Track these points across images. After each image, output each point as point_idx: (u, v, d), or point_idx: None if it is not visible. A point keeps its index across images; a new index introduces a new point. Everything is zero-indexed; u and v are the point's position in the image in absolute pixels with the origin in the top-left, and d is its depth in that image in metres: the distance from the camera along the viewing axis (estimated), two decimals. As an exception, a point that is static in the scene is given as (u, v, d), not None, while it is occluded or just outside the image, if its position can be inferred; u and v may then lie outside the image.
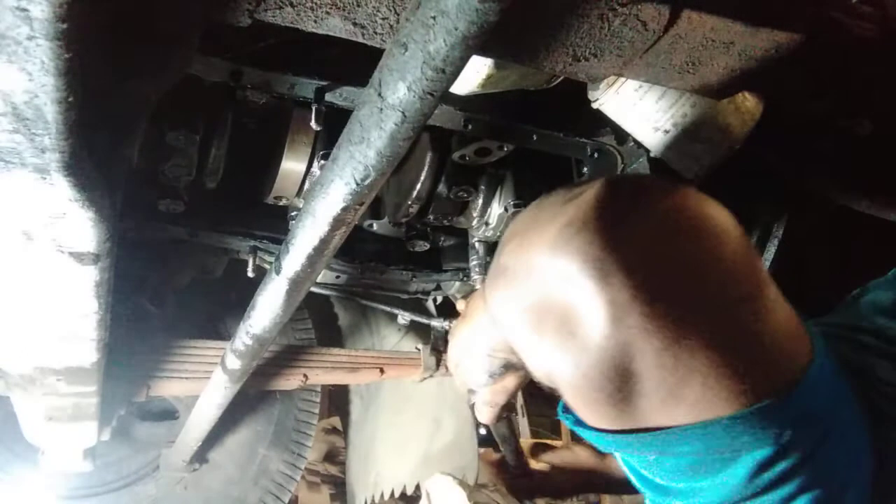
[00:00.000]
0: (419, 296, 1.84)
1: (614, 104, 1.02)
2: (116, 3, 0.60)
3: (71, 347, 1.10)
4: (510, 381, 0.88)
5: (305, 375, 1.81)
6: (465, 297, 1.67)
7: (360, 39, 0.75)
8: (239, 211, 1.53)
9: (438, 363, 1.92)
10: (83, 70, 0.57)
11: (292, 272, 0.98)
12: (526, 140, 1.30)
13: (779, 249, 1.31)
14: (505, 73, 0.97)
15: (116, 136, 0.73)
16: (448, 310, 1.93)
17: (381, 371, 1.89)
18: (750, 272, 0.65)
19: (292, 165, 1.32)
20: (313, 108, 1.16)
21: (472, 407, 0.98)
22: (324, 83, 1.16)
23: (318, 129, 1.17)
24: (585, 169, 1.46)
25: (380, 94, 0.67)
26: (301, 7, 0.70)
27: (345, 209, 0.81)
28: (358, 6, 0.71)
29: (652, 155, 1.25)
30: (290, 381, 1.81)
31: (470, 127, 1.24)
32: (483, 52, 0.79)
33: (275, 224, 1.53)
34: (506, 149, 1.30)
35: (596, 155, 1.38)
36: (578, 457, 1.47)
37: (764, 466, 0.62)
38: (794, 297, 0.64)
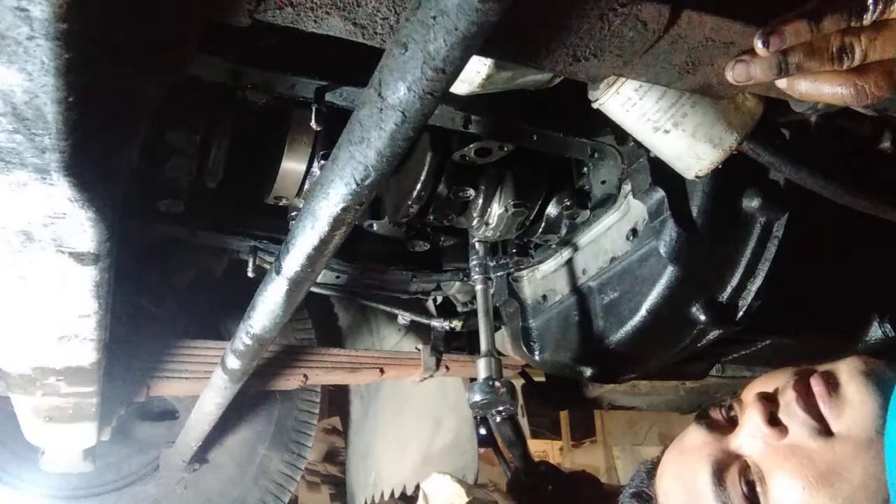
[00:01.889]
0: (419, 296, 1.84)
1: (614, 104, 1.02)
2: (116, 3, 0.60)
3: (71, 348, 1.10)
4: None
5: (305, 375, 1.81)
6: None
7: (360, 39, 0.75)
8: (239, 211, 1.53)
9: (438, 363, 1.92)
10: (83, 70, 0.57)
11: (292, 272, 0.98)
12: (526, 140, 1.30)
13: (779, 249, 1.31)
14: (505, 73, 0.97)
15: (116, 136, 0.73)
16: (448, 310, 1.93)
17: (381, 371, 1.89)
18: None
19: (292, 165, 1.32)
20: (313, 108, 1.15)
21: None
22: (324, 83, 1.16)
23: (318, 129, 1.17)
24: (585, 169, 1.46)
25: (380, 94, 0.67)
26: (301, 7, 0.70)
27: (345, 209, 0.81)
28: (358, 6, 0.71)
29: (652, 155, 1.25)
30: (290, 381, 1.81)
31: (470, 127, 1.24)
32: (483, 52, 0.79)
33: (275, 224, 1.53)
34: (506, 149, 1.30)
35: (596, 155, 1.38)
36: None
37: None
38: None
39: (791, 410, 0.86)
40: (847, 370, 0.86)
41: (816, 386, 0.85)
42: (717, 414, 0.96)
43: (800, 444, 0.84)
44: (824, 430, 0.83)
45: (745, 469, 0.87)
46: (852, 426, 0.82)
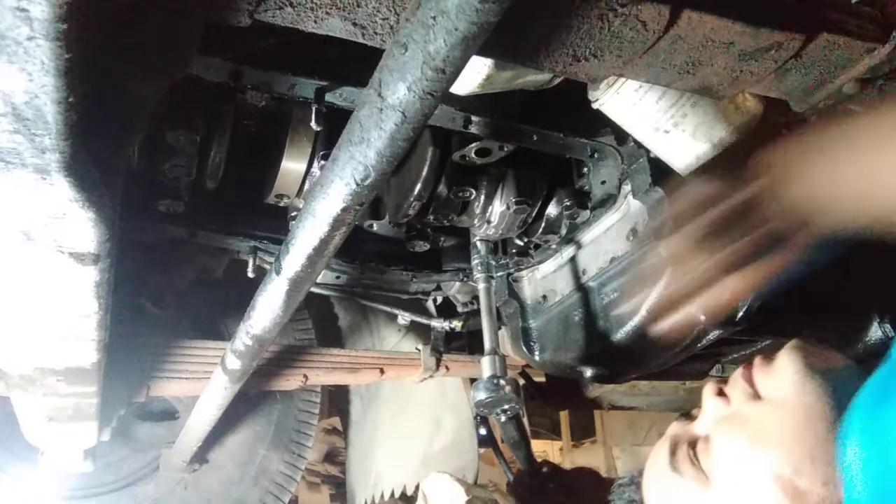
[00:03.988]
0: (419, 296, 1.84)
1: (614, 104, 1.02)
2: (116, 3, 0.60)
3: (71, 348, 1.10)
4: None
5: (305, 376, 1.81)
6: None
7: (360, 40, 0.75)
8: (239, 211, 1.53)
9: (438, 363, 1.92)
10: (83, 70, 0.57)
11: (292, 272, 0.98)
12: (526, 140, 1.30)
13: (779, 249, 1.31)
14: (505, 73, 0.97)
15: (116, 136, 0.73)
16: (448, 310, 1.93)
17: (381, 371, 1.89)
18: None
19: (292, 165, 1.32)
20: (313, 108, 1.15)
21: None
22: (324, 83, 1.16)
23: (318, 129, 1.17)
24: (585, 169, 1.46)
25: (380, 95, 0.67)
26: (301, 7, 0.70)
27: (345, 209, 0.81)
28: (358, 6, 0.71)
29: (652, 155, 1.25)
30: (290, 382, 1.81)
31: (470, 127, 1.24)
32: (483, 52, 0.79)
33: (275, 224, 1.53)
34: (506, 149, 1.30)
35: (596, 155, 1.38)
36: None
37: None
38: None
39: (732, 381, 0.97)
40: (785, 347, 0.96)
41: (756, 360, 0.97)
42: (694, 411, 1.06)
43: (737, 410, 0.93)
44: (755, 395, 0.93)
45: (694, 440, 0.97)
46: (775, 389, 0.91)
